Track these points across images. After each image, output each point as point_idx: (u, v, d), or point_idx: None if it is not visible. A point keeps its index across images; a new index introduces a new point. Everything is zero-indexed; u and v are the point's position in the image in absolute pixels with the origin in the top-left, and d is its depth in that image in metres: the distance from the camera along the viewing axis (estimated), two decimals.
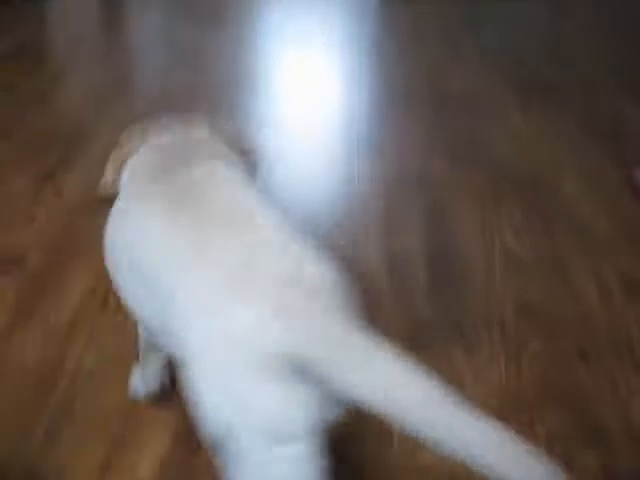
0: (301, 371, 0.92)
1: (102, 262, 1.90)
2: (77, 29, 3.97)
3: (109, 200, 2.21)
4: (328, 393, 0.94)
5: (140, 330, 1.48)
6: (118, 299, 1.85)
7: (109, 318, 1.81)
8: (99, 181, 2.32)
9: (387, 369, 0.91)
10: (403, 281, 1.94)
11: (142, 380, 1.56)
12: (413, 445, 1.46)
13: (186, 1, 4.39)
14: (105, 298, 1.87)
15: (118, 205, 1.27)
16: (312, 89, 3.17)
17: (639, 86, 3.14)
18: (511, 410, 1.57)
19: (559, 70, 3.32)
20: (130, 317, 1.56)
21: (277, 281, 0.98)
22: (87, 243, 2.08)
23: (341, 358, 0.92)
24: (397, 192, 2.34)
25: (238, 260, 1.00)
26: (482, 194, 2.33)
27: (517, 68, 3.35)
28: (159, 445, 1.47)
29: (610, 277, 1.96)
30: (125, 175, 1.31)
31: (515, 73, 3.29)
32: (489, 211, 2.24)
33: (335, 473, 1.04)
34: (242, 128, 2.71)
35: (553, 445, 1.48)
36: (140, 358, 1.54)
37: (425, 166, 2.50)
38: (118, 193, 1.32)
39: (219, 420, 0.97)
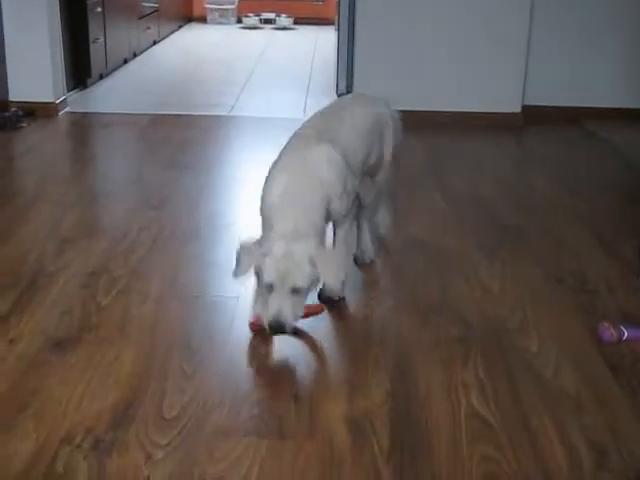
0: None
1: (51, 423, 1.84)
2: (45, 166, 3.97)
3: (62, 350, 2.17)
4: None
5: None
6: (65, 464, 1.76)
7: None
8: (54, 329, 2.27)
9: None
10: (364, 448, 1.86)
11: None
12: None
13: (154, 146, 4.43)
14: (52, 462, 1.77)
15: None
16: None
17: (605, 237, 3.15)
18: None
19: (525, 218, 3.35)
20: None
21: None
22: (36, 398, 1.99)
23: None
24: (362, 349, 2.29)
25: None
26: (448, 350, 2.29)
27: (482, 215, 3.37)
28: None
29: (578, 441, 1.90)
30: None
31: (481, 221, 3.30)
32: (455, 368, 2.19)
33: None
34: None
35: None
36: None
37: (390, 321, 2.46)
38: None
39: None
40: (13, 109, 4.65)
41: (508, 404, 2.04)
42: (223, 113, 5.14)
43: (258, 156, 3.98)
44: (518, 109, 4.95)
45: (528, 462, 1.83)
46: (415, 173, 3.95)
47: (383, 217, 2.97)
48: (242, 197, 3.58)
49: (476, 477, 1.77)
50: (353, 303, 2.57)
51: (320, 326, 2.40)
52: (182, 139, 4.46)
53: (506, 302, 2.59)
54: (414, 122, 4.81)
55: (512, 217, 3.37)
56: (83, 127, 4.83)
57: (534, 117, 4.95)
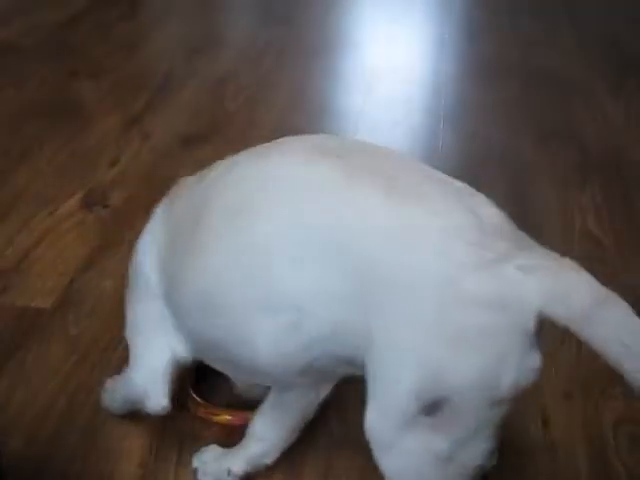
0: None
1: None
2: None
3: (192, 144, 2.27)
4: None
5: None
6: None
7: None
8: (185, 127, 2.38)
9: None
10: None
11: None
12: None
13: None
14: None
15: None
16: (398, 57, 3.15)
17: None
18: None
19: None
20: None
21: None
22: (165, 185, 2.11)
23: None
24: (479, 168, 2.31)
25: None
26: (566, 175, 2.29)
27: (612, 51, 3.27)
28: None
29: None
30: None
31: (609, 56, 3.21)
32: (572, 192, 2.20)
33: None
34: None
35: None
36: None
37: (509, 143, 2.47)
38: None
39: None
40: None
41: (624, 228, 2.06)
42: None
43: None
44: None
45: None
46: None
47: None
48: (371, 16, 3.57)
49: None
50: (471, 122, 2.58)
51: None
52: None
53: (630, 135, 2.56)
54: None
55: None
56: None
57: None
